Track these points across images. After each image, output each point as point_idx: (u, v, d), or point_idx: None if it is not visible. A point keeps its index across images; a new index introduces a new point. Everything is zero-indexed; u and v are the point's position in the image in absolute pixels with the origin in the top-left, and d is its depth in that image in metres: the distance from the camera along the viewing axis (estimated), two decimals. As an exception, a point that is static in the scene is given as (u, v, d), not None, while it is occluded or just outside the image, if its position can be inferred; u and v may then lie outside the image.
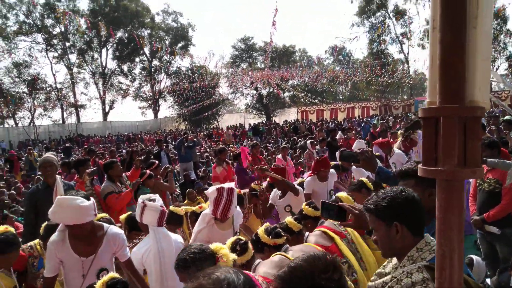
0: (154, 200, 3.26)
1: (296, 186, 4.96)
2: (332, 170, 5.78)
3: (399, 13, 43.28)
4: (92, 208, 2.92)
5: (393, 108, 35.78)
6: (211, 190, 3.74)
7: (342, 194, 3.92)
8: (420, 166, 0.92)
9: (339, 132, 13.38)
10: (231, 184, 3.82)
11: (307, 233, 3.39)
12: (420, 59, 59.17)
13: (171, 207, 4.21)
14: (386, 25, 43.46)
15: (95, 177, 5.88)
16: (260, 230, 3.04)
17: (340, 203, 2.44)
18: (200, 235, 3.74)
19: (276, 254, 2.77)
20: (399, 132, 11.50)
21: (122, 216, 3.99)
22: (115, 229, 3.15)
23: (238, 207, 4.14)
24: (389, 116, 27.12)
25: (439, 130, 0.87)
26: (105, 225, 3.16)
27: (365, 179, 4.46)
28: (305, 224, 3.62)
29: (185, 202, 7.36)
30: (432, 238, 1.79)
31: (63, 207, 2.83)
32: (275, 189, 5.23)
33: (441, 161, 0.87)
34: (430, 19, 0.92)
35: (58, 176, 4.87)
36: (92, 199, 2.98)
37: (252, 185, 5.56)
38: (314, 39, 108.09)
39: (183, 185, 9.92)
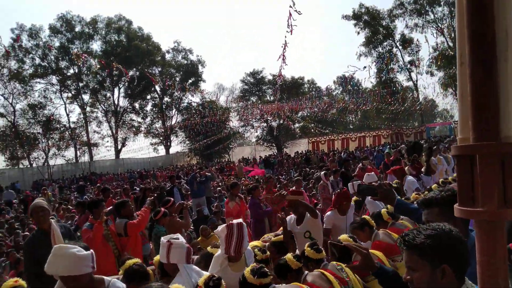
0: (178, 238, 3.21)
1: (314, 209, 4.83)
2: (352, 203, 5.69)
3: (406, 42, 43.72)
4: (90, 259, 2.74)
5: (404, 135, 35.53)
6: (220, 229, 3.62)
7: (342, 236, 3.80)
8: (456, 206, 0.87)
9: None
10: (239, 220, 3.73)
11: (306, 272, 3.28)
12: (429, 86, 59.38)
13: (208, 248, 4.09)
14: (394, 54, 43.86)
15: (109, 218, 5.85)
16: (246, 271, 2.89)
17: (345, 243, 2.34)
18: None
19: None
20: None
21: (156, 258, 3.67)
22: (118, 284, 2.94)
23: (249, 247, 4.03)
24: (401, 143, 26.87)
25: (475, 168, 0.82)
26: (107, 279, 2.94)
27: (367, 217, 4.34)
28: (307, 266, 3.49)
29: (199, 239, 7.25)
30: (470, 282, 1.68)
31: (57, 256, 2.68)
32: (291, 215, 5.03)
33: (480, 201, 0.81)
34: (458, 54, 0.89)
35: (52, 220, 4.69)
36: (91, 250, 2.81)
37: (272, 237, 5.29)
38: (322, 70, 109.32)
39: (196, 221, 9.81)
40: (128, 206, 5.92)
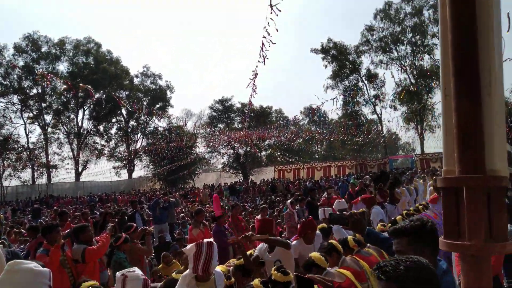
0: (134, 271, 3.09)
1: (286, 240, 4.72)
2: (318, 232, 5.63)
3: (371, 77, 45.39)
4: (48, 276, 2.49)
5: (368, 166, 36.32)
6: (189, 247, 3.55)
7: (315, 254, 3.77)
8: (441, 239, 0.83)
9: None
10: (210, 239, 3.63)
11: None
12: (393, 120, 61.38)
13: (173, 274, 3.93)
14: (359, 88, 45.35)
15: (65, 243, 5.55)
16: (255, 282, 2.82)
17: (310, 275, 2.26)
18: None
19: None
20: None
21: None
22: None
23: (220, 269, 3.93)
24: (365, 174, 27.41)
25: (460, 201, 0.79)
26: None
27: (335, 242, 4.31)
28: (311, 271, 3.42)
29: (160, 266, 7.03)
30: None
31: (11, 272, 2.40)
32: (262, 243, 4.94)
33: (467, 235, 0.78)
34: (442, 87, 0.88)
35: None
36: (48, 269, 2.57)
37: (236, 261, 5.27)
38: (289, 101, 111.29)
39: (158, 248, 9.50)
40: (88, 231, 5.66)
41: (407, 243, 2.25)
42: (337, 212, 6.54)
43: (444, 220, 0.85)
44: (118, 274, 3.09)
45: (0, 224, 13.06)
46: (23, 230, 13.30)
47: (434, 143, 50.58)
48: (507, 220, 0.82)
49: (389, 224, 6.13)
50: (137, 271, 3.12)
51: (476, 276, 0.80)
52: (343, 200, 7.53)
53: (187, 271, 3.60)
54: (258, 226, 4.96)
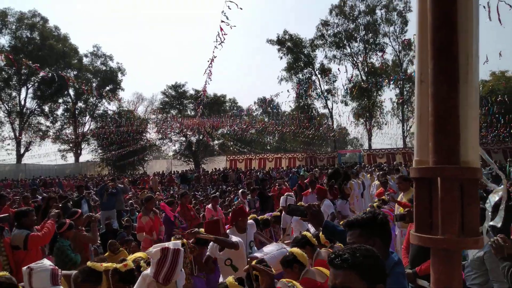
0: (41, 263, 3.02)
1: (234, 240, 4.61)
2: (250, 221, 5.63)
3: (325, 71, 46.26)
4: None
5: (318, 160, 37.17)
6: (154, 251, 3.32)
7: (296, 250, 3.74)
8: (412, 232, 0.83)
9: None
10: (178, 243, 3.44)
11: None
12: (343, 115, 63.12)
13: (88, 263, 3.69)
14: (312, 81, 46.13)
15: (5, 228, 5.23)
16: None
17: (253, 264, 2.25)
18: None
19: None
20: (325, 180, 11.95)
21: None
22: None
23: (182, 269, 3.76)
24: (314, 167, 28.01)
25: (434, 193, 0.79)
26: None
27: (308, 234, 4.33)
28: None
29: (107, 254, 6.81)
30: None
31: None
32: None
33: (440, 229, 0.77)
34: (417, 72, 0.86)
35: None
36: None
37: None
38: (243, 90, 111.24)
39: (105, 235, 9.20)
40: (31, 215, 5.35)
41: (359, 234, 2.32)
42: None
43: (416, 212, 0.83)
44: (23, 268, 3.00)
45: None
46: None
47: (381, 139, 52.67)
48: (478, 214, 0.83)
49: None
50: (45, 262, 3.00)
51: (446, 270, 0.79)
52: (291, 194, 7.60)
53: (147, 271, 3.43)
54: (205, 229, 4.83)
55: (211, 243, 4.86)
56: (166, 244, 3.37)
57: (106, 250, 7.06)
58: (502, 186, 1.18)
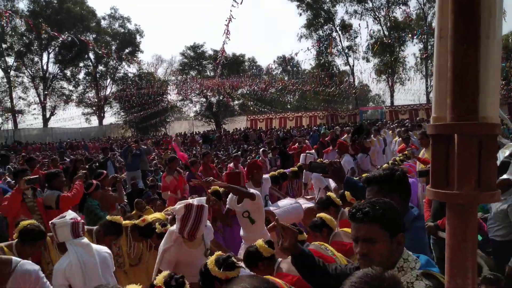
0: (63, 217, 3.15)
1: (252, 191, 4.61)
2: (266, 176, 5.69)
3: (346, 28, 44.87)
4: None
5: (339, 117, 36.85)
6: (179, 207, 3.41)
7: (324, 215, 3.79)
8: (429, 187, 0.84)
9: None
10: (202, 200, 3.52)
11: (279, 259, 3.07)
12: (365, 71, 61.69)
13: (108, 217, 3.88)
14: (333, 38, 44.91)
15: (37, 189, 5.48)
16: (210, 261, 2.64)
17: (278, 224, 2.20)
18: (167, 255, 3.46)
19: None
20: (343, 137, 11.90)
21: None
22: (27, 265, 2.70)
23: (208, 223, 3.84)
24: (335, 125, 27.82)
25: (451, 149, 0.79)
26: (15, 260, 2.69)
27: (332, 195, 4.34)
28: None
29: (133, 212, 7.07)
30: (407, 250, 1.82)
31: None
32: (231, 194, 4.91)
33: (456, 184, 0.78)
34: (437, 27, 0.85)
35: None
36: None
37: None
38: (263, 49, 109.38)
39: (131, 195, 9.52)
40: (61, 177, 5.61)
41: (377, 190, 2.33)
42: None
43: (432, 168, 0.84)
44: (50, 223, 3.19)
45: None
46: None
47: (404, 95, 51.49)
48: (495, 169, 0.83)
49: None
50: (68, 215, 3.16)
51: (461, 224, 0.81)
52: (312, 151, 7.64)
53: (174, 227, 3.53)
54: (226, 180, 4.86)
55: (230, 196, 4.92)
56: (190, 201, 3.44)
57: (133, 209, 7.31)
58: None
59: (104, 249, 3.33)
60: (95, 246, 3.22)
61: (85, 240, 3.18)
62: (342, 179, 3.01)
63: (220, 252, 2.76)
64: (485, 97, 0.81)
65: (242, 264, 2.84)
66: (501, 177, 4.11)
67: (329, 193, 4.33)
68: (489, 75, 0.83)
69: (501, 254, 4.22)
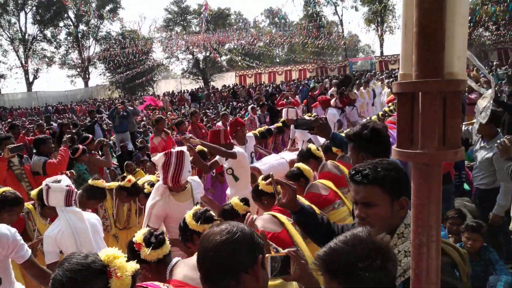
0: (59, 181, 3.09)
1: (235, 149, 4.65)
2: (250, 134, 5.70)
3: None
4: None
5: (329, 70, 36.46)
6: (158, 157, 3.42)
7: (302, 165, 3.77)
8: (394, 147, 0.82)
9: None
10: (181, 148, 3.52)
11: (254, 216, 3.03)
12: (353, 21, 60.52)
13: (90, 181, 3.87)
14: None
15: (24, 156, 5.42)
16: (188, 215, 2.63)
17: (276, 178, 2.10)
18: (155, 210, 3.45)
19: None
20: (331, 90, 11.84)
21: (33, 192, 3.66)
22: (3, 229, 2.63)
23: (197, 178, 3.89)
24: (325, 78, 27.58)
25: (415, 107, 0.76)
26: None
27: (312, 147, 4.34)
28: (261, 201, 3.36)
29: (124, 174, 7.08)
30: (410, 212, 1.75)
31: None
32: None
33: (419, 143, 0.76)
34: None
35: None
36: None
37: None
38: (248, 2, 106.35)
39: (121, 157, 9.50)
40: (49, 143, 5.64)
41: (352, 147, 2.38)
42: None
43: (398, 127, 0.82)
44: (43, 182, 3.15)
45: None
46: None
47: (394, 44, 50.94)
48: (460, 126, 0.80)
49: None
50: (64, 181, 3.12)
51: (426, 184, 0.80)
52: (293, 108, 7.54)
53: (159, 181, 3.54)
54: (209, 137, 4.89)
55: None
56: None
57: (123, 171, 7.32)
58: (490, 91, 1.13)
59: (93, 215, 3.34)
60: (85, 213, 3.21)
61: (75, 208, 3.16)
62: (328, 135, 3.02)
63: (198, 207, 2.75)
64: (452, 51, 0.78)
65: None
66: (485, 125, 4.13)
67: (309, 145, 4.28)
68: (456, 27, 0.79)
69: (486, 202, 4.30)
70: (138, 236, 2.30)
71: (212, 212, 2.66)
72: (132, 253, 2.26)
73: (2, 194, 3.17)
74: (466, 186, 5.77)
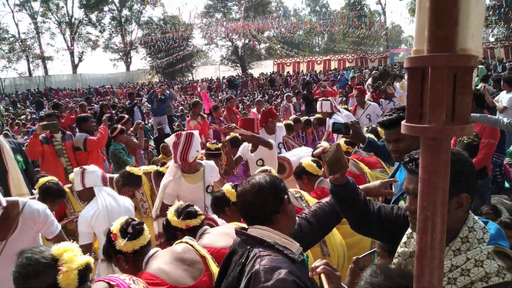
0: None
1: (269, 140, 4.64)
2: (280, 124, 5.62)
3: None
4: None
5: (369, 60, 35.65)
6: (169, 138, 3.66)
7: (305, 162, 3.68)
8: (403, 122, 0.83)
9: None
10: (195, 132, 3.70)
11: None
12: (397, 11, 58.72)
13: (127, 168, 3.95)
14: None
15: (67, 132, 5.69)
16: (169, 212, 2.59)
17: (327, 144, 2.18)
18: (168, 189, 3.65)
19: (181, 242, 2.27)
20: (367, 82, 11.58)
21: (71, 176, 3.66)
22: (34, 205, 2.63)
23: (212, 162, 3.98)
24: (365, 68, 27.02)
25: (425, 82, 0.77)
26: (21, 201, 2.61)
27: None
28: (301, 179, 3.57)
29: (160, 156, 7.27)
30: (473, 215, 1.53)
31: None
32: (245, 142, 4.93)
33: (428, 117, 0.77)
34: None
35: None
36: None
37: (208, 144, 5.16)
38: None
39: (158, 140, 9.74)
40: (90, 121, 5.96)
41: (388, 134, 2.40)
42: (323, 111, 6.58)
43: (407, 102, 0.83)
44: (75, 169, 3.31)
45: (1, 116, 13.19)
46: (25, 122, 13.54)
47: (439, 36, 49.02)
48: (470, 102, 0.81)
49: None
50: (96, 167, 3.32)
51: (433, 158, 0.80)
52: (330, 98, 7.36)
53: (172, 161, 3.70)
54: (240, 125, 4.86)
55: (244, 144, 4.97)
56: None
57: (159, 153, 7.51)
58: None
59: (128, 200, 3.42)
60: (120, 198, 3.31)
61: (111, 190, 3.32)
62: (364, 140, 3.08)
63: (181, 202, 2.70)
64: (466, 28, 0.77)
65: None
66: None
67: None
68: (471, 4, 0.78)
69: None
70: (115, 226, 2.22)
71: (195, 207, 2.61)
72: (109, 243, 2.21)
73: (45, 185, 3.33)
74: (506, 184, 5.59)
